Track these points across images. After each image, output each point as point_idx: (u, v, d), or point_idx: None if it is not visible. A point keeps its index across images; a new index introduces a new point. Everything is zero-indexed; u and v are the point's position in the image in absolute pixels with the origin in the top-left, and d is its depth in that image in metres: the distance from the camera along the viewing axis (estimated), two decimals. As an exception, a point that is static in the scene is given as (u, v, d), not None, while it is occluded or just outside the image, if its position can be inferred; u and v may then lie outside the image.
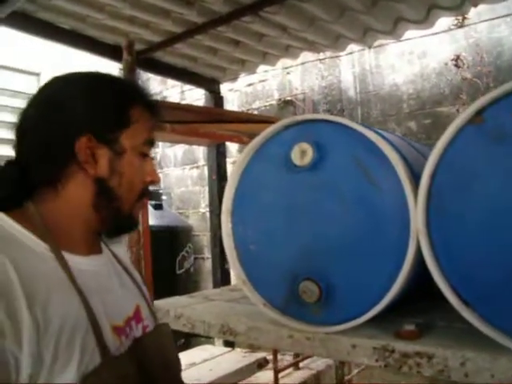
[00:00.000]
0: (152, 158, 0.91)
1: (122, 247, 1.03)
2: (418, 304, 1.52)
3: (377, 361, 1.22)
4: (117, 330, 0.79)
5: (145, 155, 0.87)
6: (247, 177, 1.43)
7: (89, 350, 0.71)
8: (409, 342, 1.19)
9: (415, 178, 1.20)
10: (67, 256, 0.77)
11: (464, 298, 1.11)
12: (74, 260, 0.78)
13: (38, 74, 5.19)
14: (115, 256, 0.95)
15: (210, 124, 2.44)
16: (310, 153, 1.27)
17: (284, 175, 1.33)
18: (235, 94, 4.83)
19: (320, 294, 1.27)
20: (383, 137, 1.25)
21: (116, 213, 0.84)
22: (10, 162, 0.82)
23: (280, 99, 4.50)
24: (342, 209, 1.25)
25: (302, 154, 1.28)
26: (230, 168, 4.51)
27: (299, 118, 1.35)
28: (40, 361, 0.66)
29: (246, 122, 2.40)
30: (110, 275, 0.88)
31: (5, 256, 0.68)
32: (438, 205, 1.15)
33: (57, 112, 0.81)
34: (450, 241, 1.13)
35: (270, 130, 1.39)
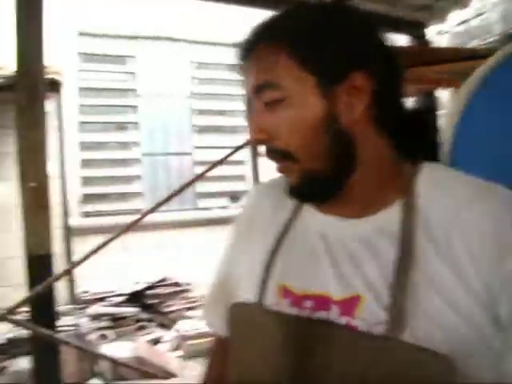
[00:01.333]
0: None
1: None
2: None
3: None
4: (284, 291, 0.69)
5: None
6: (469, 119, 1.10)
7: (253, 286, 0.72)
8: None
9: None
10: (311, 211, 0.73)
11: None
12: (310, 216, 0.73)
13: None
14: (408, 226, 0.63)
15: (418, 67, 2.03)
16: None
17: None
18: (444, 37, 4.21)
19: None
20: None
21: None
22: None
23: (503, 33, 3.73)
24: None
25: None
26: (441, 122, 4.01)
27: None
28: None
29: (467, 60, 1.90)
30: (343, 246, 0.66)
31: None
32: None
33: None
34: None
35: (501, 53, 1.04)
